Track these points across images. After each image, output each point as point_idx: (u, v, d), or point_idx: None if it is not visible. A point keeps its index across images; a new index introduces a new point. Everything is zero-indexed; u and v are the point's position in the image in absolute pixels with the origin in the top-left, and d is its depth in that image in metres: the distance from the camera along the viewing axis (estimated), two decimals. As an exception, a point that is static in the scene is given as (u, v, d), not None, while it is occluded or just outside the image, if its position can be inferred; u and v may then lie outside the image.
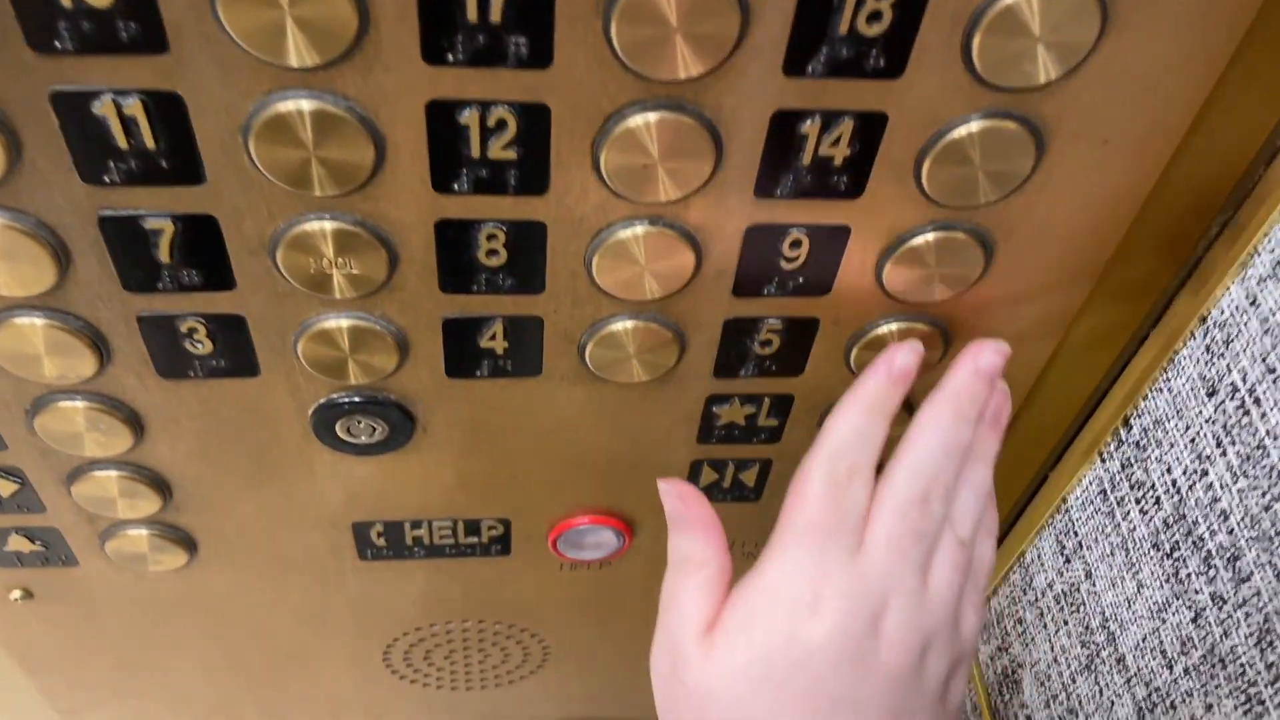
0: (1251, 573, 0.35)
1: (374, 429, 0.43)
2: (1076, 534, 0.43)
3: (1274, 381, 0.34)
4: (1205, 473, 0.37)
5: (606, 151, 0.32)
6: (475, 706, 0.69)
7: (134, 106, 0.30)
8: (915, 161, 0.35)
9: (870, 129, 0.34)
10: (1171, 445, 0.39)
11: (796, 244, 0.38)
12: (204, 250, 0.35)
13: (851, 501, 0.37)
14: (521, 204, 0.34)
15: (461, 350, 0.40)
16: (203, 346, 0.39)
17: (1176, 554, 0.38)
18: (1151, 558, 0.39)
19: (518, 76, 0.30)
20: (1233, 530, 0.36)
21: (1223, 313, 0.37)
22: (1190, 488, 0.38)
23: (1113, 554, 0.41)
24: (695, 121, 0.32)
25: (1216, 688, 0.37)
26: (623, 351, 0.40)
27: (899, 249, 0.38)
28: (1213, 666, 0.37)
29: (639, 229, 0.35)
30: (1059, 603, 0.45)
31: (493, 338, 0.40)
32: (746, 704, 0.36)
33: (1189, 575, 0.38)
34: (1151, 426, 0.40)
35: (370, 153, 0.32)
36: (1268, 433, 0.34)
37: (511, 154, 0.33)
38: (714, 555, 0.39)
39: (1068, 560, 0.44)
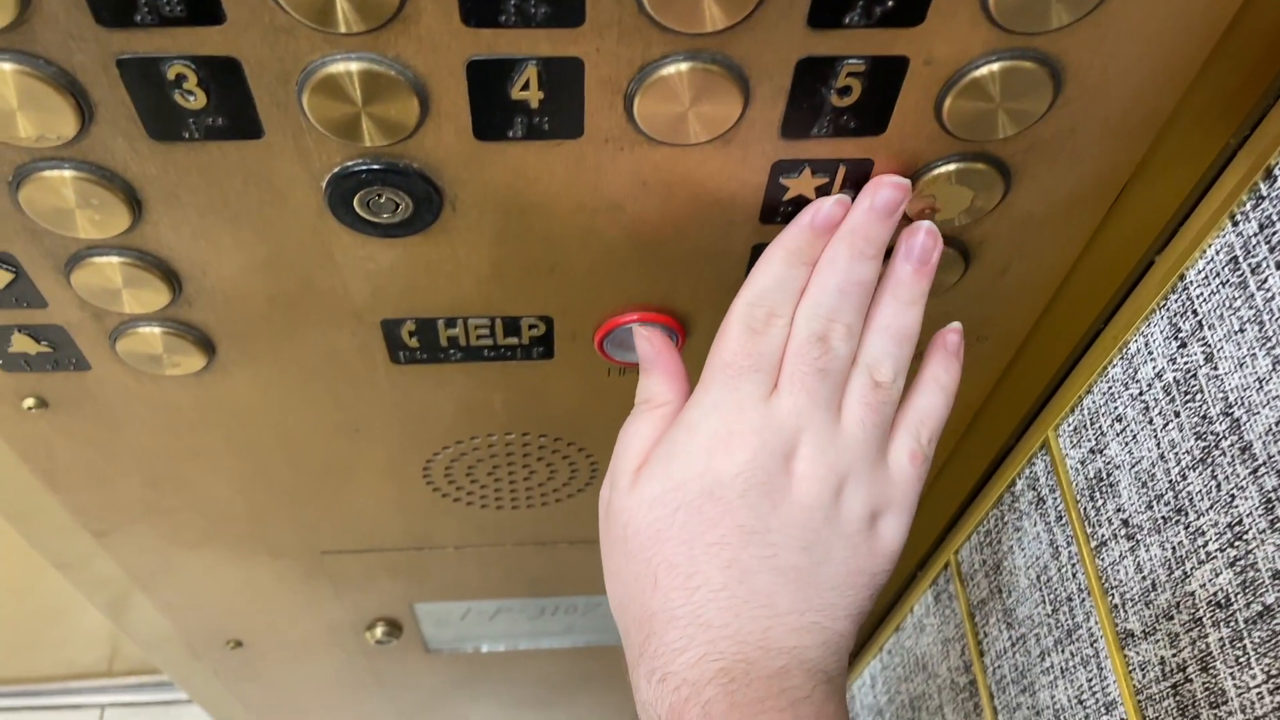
0: None
1: (396, 204, 0.38)
2: (1196, 313, 0.38)
3: None
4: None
5: None
6: (520, 526, 0.66)
7: None
8: None
9: None
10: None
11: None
12: (182, -34, 0.29)
13: (768, 345, 0.38)
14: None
15: (490, 103, 0.35)
16: (195, 99, 0.34)
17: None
18: (1291, 332, 0.34)
19: None
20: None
21: None
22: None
23: (1242, 330, 0.35)
24: None
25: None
26: (677, 104, 0.35)
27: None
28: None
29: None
30: (1169, 393, 0.40)
31: (525, 86, 0.34)
32: (660, 531, 0.38)
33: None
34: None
35: None
36: None
37: None
38: (672, 399, 0.41)
39: (1183, 344, 0.39)
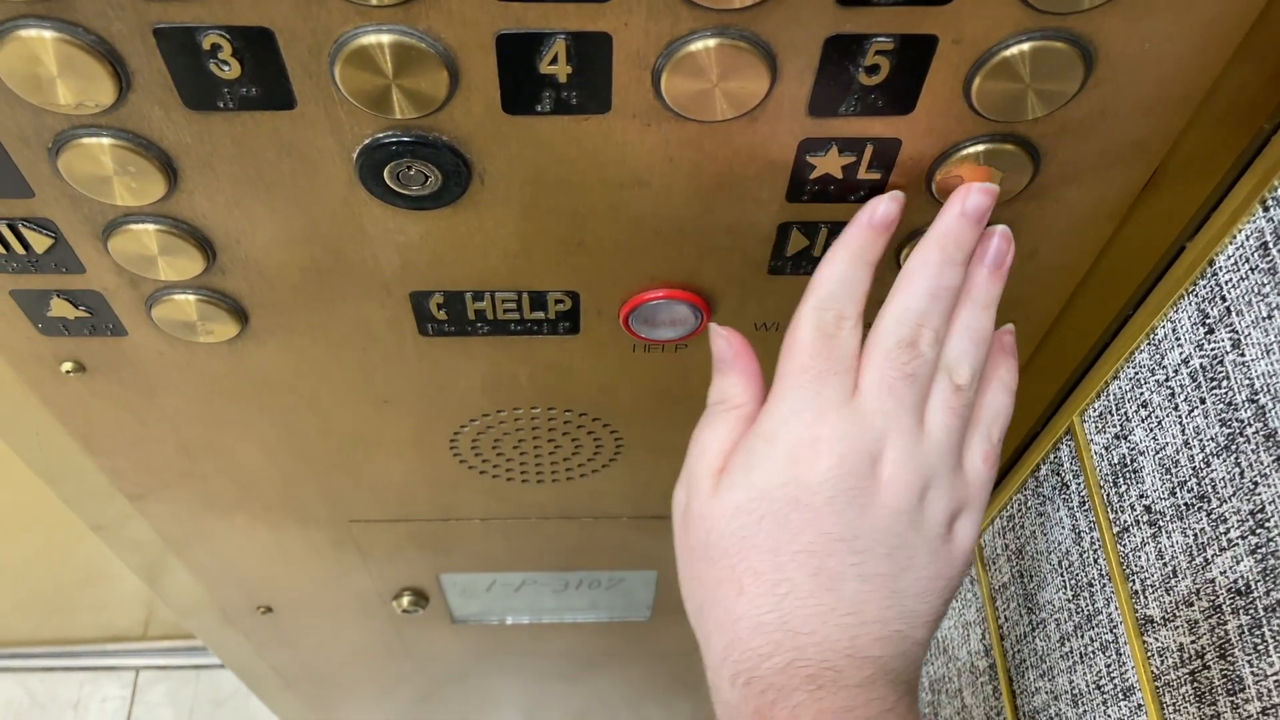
0: None
1: (426, 177, 0.39)
2: (1224, 299, 0.38)
3: None
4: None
5: None
6: (545, 500, 0.67)
7: None
8: None
9: None
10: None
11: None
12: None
13: (842, 347, 0.38)
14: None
15: (519, 76, 0.35)
16: (230, 69, 0.34)
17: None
18: (1319, 319, 0.34)
19: None
20: None
21: None
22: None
23: (1270, 316, 0.35)
24: None
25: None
26: (704, 80, 0.35)
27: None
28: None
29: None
30: (1195, 379, 0.40)
31: (554, 60, 0.34)
32: (746, 538, 0.38)
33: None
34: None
35: None
36: None
37: None
38: (748, 400, 0.41)
39: (1210, 330, 0.39)
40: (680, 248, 0.44)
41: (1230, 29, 0.34)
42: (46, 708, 1.71)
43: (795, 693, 0.36)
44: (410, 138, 0.37)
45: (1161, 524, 0.42)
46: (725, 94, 0.35)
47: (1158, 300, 0.43)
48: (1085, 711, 0.49)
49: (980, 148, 0.38)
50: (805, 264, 0.45)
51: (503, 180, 0.40)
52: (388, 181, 0.39)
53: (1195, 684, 0.40)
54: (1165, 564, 0.42)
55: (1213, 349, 0.39)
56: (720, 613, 0.38)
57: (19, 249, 0.42)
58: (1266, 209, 0.36)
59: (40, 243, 0.42)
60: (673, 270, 0.46)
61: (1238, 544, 0.37)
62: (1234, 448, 0.37)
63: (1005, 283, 0.40)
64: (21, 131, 0.37)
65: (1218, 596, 0.39)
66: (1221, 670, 0.38)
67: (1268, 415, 0.35)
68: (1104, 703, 0.48)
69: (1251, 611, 0.37)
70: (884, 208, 0.38)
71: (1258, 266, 0.36)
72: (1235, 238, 0.37)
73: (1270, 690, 0.36)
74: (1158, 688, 0.43)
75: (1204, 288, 0.39)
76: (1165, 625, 0.42)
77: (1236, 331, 0.37)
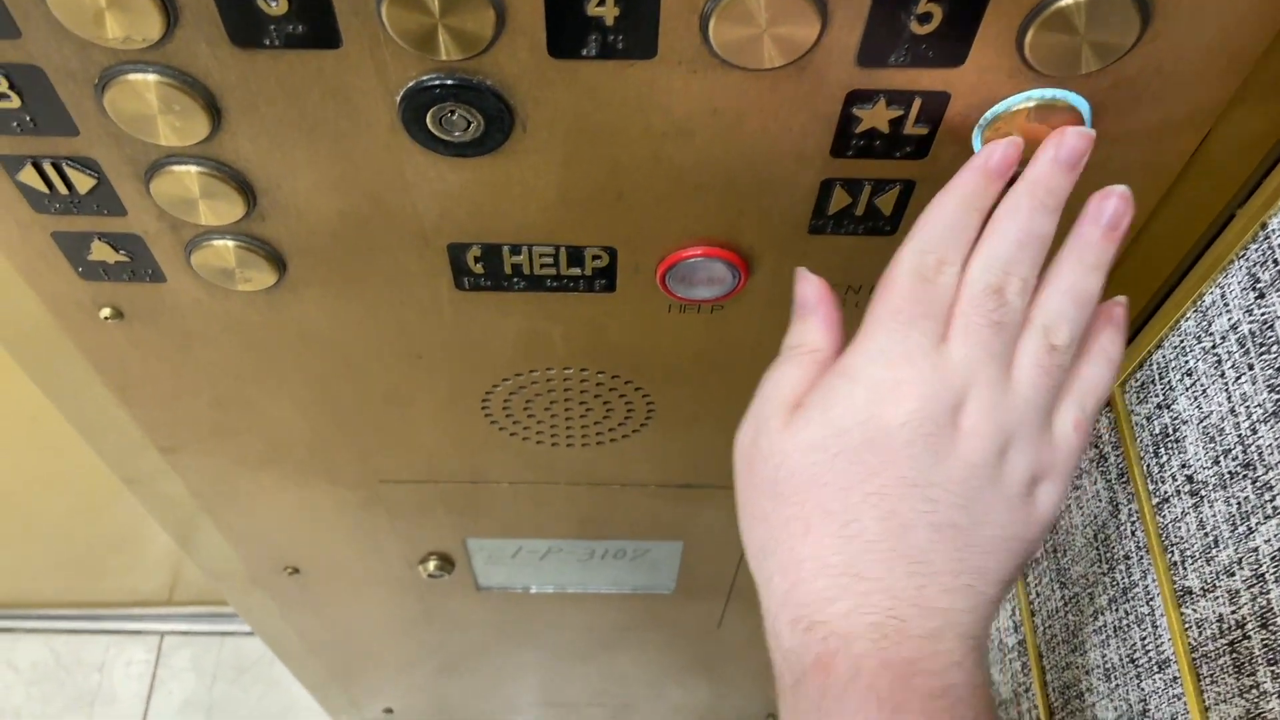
0: None
1: (469, 122, 0.39)
2: (1276, 262, 0.37)
3: None
4: None
5: None
6: (574, 465, 0.67)
7: None
8: None
9: None
10: None
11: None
12: None
13: (938, 292, 0.37)
14: None
15: (565, 18, 0.35)
16: (276, 4, 0.34)
17: None
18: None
19: None
20: None
21: None
22: None
23: (1326, 278, 0.34)
24: None
25: None
26: (753, 25, 0.35)
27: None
28: None
29: None
30: (1244, 345, 0.39)
31: (602, 2, 0.34)
32: (817, 475, 0.37)
33: None
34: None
35: None
36: None
37: None
38: (826, 346, 0.40)
39: (1261, 295, 0.38)
40: (720, 203, 0.44)
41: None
42: (71, 670, 1.73)
43: (859, 640, 0.34)
44: (454, 81, 0.37)
45: (1204, 493, 0.42)
46: (774, 40, 0.35)
47: (1206, 267, 0.42)
48: (1118, 685, 0.49)
49: (1031, 103, 0.38)
50: (846, 223, 0.44)
51: (545, 127, 0.39)
52: (430, 126, 0.39)
53: (1234, 654, 0.40)
54: (1206, 534, 0.41)
55: (1263, 313, 0.38)
56: (784, 553, 0.37)
57: (62, 189, 0.42)
58: (1325, 168, 0.35)
59: (83, 183, 0.42)
60: (711, 227, 0.45)
61: (1284, 511, 0.37)
62: (1283, 413, 0.37)
63: (1118, 246, 0.38)
64: (69, 66, 0.37)
65: (1260, 565, 0.38)
66: (1263, 640, 0.38)
67: (1320, 378, 0.35)
68: (1138, 676, 0.47)
69: (1296, 579, 0.36)
70: (1000, 153, 0.37)
71: (1314, 226, 0.35)
72: (1291, 199, 0.37)
73: (1313, 659, 0.35)
74: (1194, 659, 0.42)
75: (1255, 252, 0.39)
76: (1204, 596, 0.42)
77: (1289, 294, 0.36)
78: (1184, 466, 0.43)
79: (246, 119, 0.39)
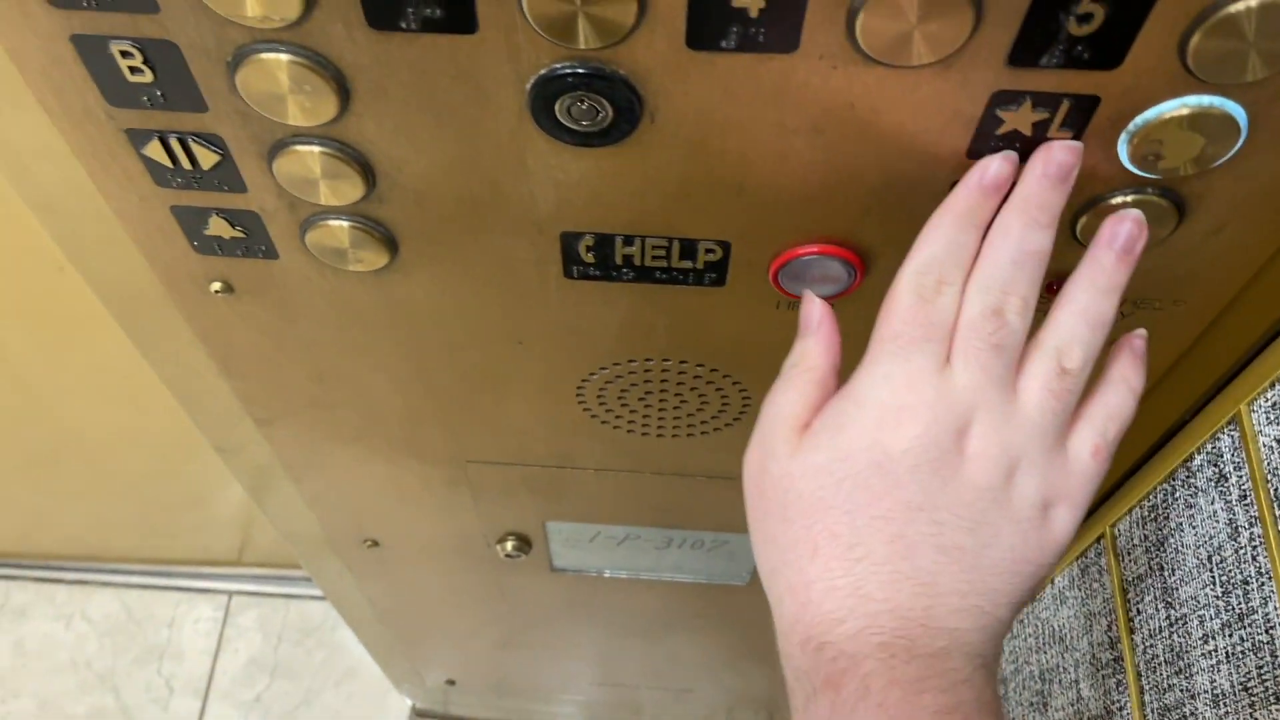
0: None
1: (597, 112, 0.38)
2: None
3: None
4: None
5: None
6: (663, 455, 0.66)
7: None
8: None
9: None
10: None
11: None
12: None
13: (939, 314, 0.37)
14: None
15: (709, 9, 0.34)
16: (417, -12, 0.34)
17: None
18: None
19: None
20: None
21: None
22: None
23: None
24: None
25: None
26: (903, 21, 0.33)
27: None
28: None
29: None
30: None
31: (749, -9, 0.33)
32: (824, 499, 0.37)
33: None
34: None
35: None
36: None
37: None
38: (824, 363, 0.41)
39: None
40: (844, 200, 0.43)
41: None
42: (143, 624, 1.78)
43: (866, 660, 0.35)
44: (587, 70, 0.36)
45: (1342, 523, 0.40)
46: (924, 36, 0.34)
47: None
48: (1227, 713, 0.47)
49: (1186, 110, 0.36)
50: (973, 226, 0.43)
51: (673, 120, 0.39)
52: (558, 115, 0.38)
53: (1370, 694, 0.38)
54: (1342, 566, 0.40)
55: None
56: (793, 574, 0.38)
57: (186, 164, 0.42)
58: None
59: (207, 159, 0.42)
60: (831, 225, 0.44)
61: None
62: None
63: (1132, 271, 0.38)
64: (204, 43, 0.37)
65: (1407, 604, 0.36)
66: (1405, 682, 0.36)
67: None
68: (1251, 705, 0.45)
69: None
70: (995, 167, 0.37)
71: None
72: None
73: None
74: (1321, 695, 0.41)
75: None
76: (1337, 630, 0.40)
77: None
78: None
79: (375, 101, 0.39)
